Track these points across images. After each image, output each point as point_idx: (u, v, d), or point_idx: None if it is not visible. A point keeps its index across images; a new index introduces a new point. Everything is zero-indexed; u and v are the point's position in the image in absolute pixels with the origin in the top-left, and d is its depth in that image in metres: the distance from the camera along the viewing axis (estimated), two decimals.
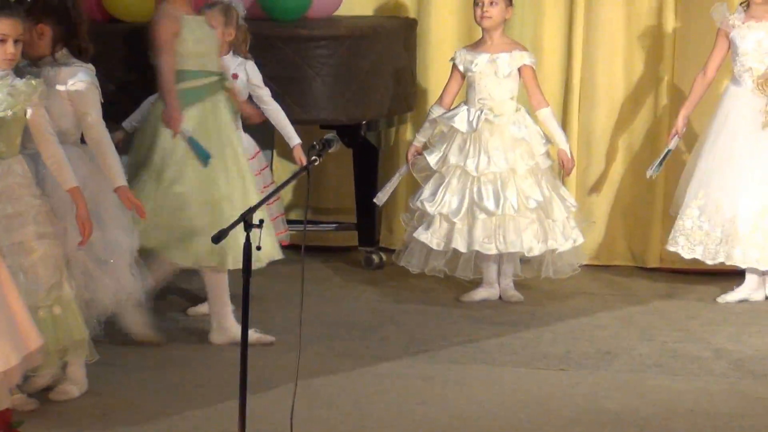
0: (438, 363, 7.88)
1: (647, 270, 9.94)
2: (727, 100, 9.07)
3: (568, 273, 9.11)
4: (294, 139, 8.80)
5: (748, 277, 9.07)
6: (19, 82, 6.84)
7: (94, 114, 7.24)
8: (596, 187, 10.03)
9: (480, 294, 9.08)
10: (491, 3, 8.86)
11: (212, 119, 8.00)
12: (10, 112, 6.77)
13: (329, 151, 6.74)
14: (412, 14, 10.16)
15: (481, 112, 8.89)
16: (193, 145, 7.86)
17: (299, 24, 9.57)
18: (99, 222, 7.17)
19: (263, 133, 9.26)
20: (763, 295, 9.08)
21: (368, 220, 9.79)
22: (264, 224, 6.29)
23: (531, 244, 8.88)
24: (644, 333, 8.41)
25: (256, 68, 8.81)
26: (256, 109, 8.71)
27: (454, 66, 9.05)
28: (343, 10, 9.99)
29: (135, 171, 7.97)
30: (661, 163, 9.18)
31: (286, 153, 9.29)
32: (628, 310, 8.84)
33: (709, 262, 9.04)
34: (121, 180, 7.26)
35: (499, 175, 8.85)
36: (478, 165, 8.84)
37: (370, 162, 9.75)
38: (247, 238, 6.02)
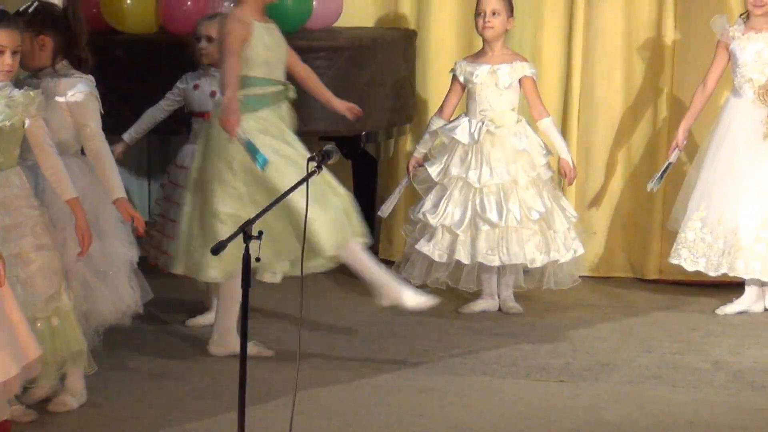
0: (437, 374, 7.88)
1: (646, 282, 9.96)
2: (727, 111, 9.08)
3: (569, 284, 9.12)
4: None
5: (748, 289, 9.08)
6: (17, 93, 6.83)
7: (94, 125, 7.23)
8: (596, 200, 10.05)
9: (480, 305, 9.11)
10: (494, 13, 8.89)
11: (275, 128, 7.96)
12: (7, 123, 6.76)
13: (328, 162, 6.77)
14: (411, 25, 10.20)
15: (482, 124, 8.91)
16: (251, 148, 7.77)
17: (298, 35, 9.53)
18: (98, 233, 7.17)
19: None
20: (762, 307, 9.10)
21: (368, 230, 9.77)
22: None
23: (534, 256, 8.91)
24: (643, 344, 8.41)
25: None
26: (351, 104, 8.58)
27: (454, 77, 9.07)
28: (343, 21, 10.02)
29: (201, 177, 7.94)
30: (662, 177, 9.20)
31: None
32: (628, 321, 8.85)
33: (712, 274, 9.05)
34: (120, 191, 7.24)
35: (502, 186, 8.87)
36: (481, 176, 8.87)
37: (369, 173, 9.81)
38: (246, 250, 6.01)
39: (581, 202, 9.91)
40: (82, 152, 7.32)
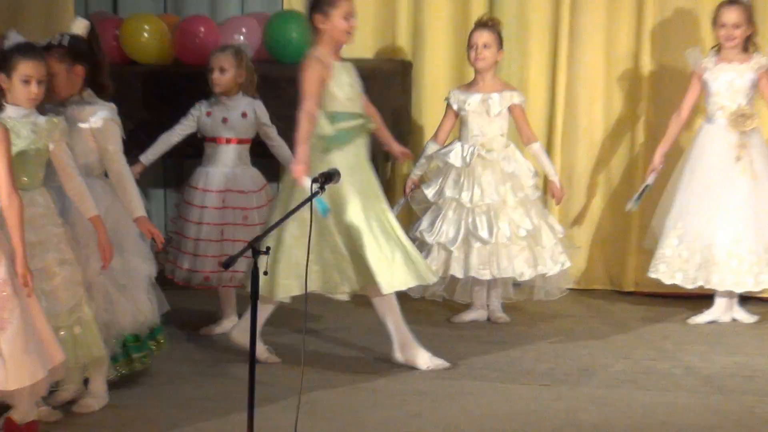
0: (431, 378, 7.88)
1: (624, 294, 9.98)
2: (701, 137, 9.10)
3: (557, 295, 9.18)
4: None
5: (718, 300, 9.12)
6: (42, 120, 6.86)
7: (115, 149, 7.29)
8: (578, 219, 10.06)
9: (470, 315, 9.16)
10: (485, 46, 8.93)
11: (357, 159, 7.96)
12: (32, 147, 6.79)
13: (330, 183, 6.87)
14: (408, 57, 10.20)
15: (474, 148, 8.95)
16: (317, 201, 7.33)
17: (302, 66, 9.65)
18: (119, 249, 7.23)
19: (270, 168, 9.27)
20: (730, 317, 9.13)
21: None
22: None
23: (522, 269, 8.93)
24: (620, 351, 8.44)
25: (263, 107, 8.82)
26: (405, 149, 8.65)
27: (449, 105, 9.09)
28: (344, 53, 9.87)
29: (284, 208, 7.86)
30: (639, 198, 9.23)
31: None
32: (606, 330, 8.86)
33: (689, 287, 9.08)
34: (141, 210, 7.28)
35: (492, 206, 8.91)
36: (472, 197, 8.91)
37: None
38: (255, 264, 6.06)
39: (565, 220, 9.86)
40: (105, 174, 7.35)
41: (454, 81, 9.92)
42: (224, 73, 8.74)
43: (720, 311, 9.17)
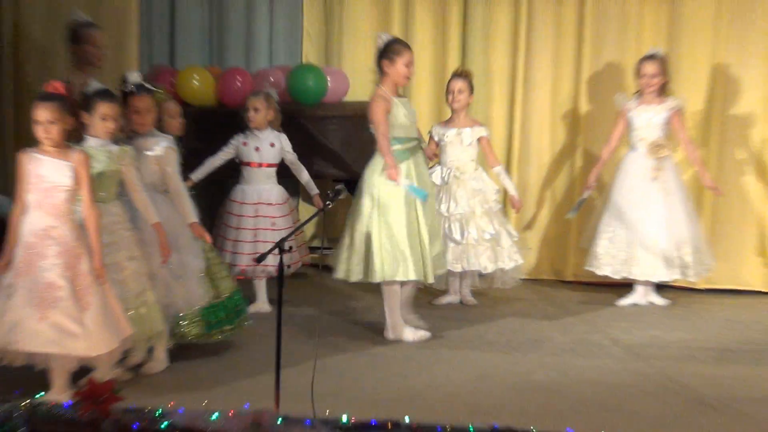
0: (416, 348, 7.86)
1: (565, 282, 9.98)
2: (626, 162, 9.10)
3: (512, 284, 9.14)
4: (313, 189, 8.82)
5: (638, 288, 9.12)
6: (115, 148, 6.88)
7: (173, 170, 7.30)
8: (529, 225, 10.04)
9: (446, 299, 9.15)
10: (459, 91, 8.91)
11: (415, 172, 7.90)
12: (108, 170, 6.83)
13: (339, 198, 6.83)
14: None
15: (451, 171, 8.95)
16: (413, 190, 7.79)
17: (317, 107, 9.55)
18: (177, 248, 7.22)
19: (291, 185, 9.22)
20: (647, 301, 9.13)
21: None
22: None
23: (486, 264, 8.90)
24: (562, 327, 8.45)
25: (286, 139, 8.80)
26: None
27: (431, 137, 9.05)
28: (349, 97, 9.96)
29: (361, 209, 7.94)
30: (577, 208, 9.19)
31: (308, 200, 9.31)
32: (551, 311, 8.86)
33: (616, 277, 9.06)
34: (194, 217, 7.28)
35: (463, 215, 8.90)
36: (449, 208, 8.90)
37: None
38: (281, 259, 6.08)
39: (519, 226, 9.86)
40: (165, 190, 7.36)
41: (434, 118, 9.88)
42: (257, 112, 8.75)
43: (640, 296, 9.18)
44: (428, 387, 7.03)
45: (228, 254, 8.69)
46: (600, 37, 9.86)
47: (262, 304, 8.81)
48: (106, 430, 5.35)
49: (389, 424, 5.52)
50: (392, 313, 8.04)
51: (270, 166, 8.82)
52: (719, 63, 9.64)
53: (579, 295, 9.50)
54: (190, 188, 8.38)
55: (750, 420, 6.49)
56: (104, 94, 6.89)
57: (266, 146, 8.79)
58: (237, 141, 8.79)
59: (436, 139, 9.07)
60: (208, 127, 9.09)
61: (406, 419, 5.56)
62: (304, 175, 8.84)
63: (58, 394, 6.38)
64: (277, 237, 8.24)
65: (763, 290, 9.67)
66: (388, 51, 7.88)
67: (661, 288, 9.32)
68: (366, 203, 7.91)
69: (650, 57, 9.06)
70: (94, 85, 6.98)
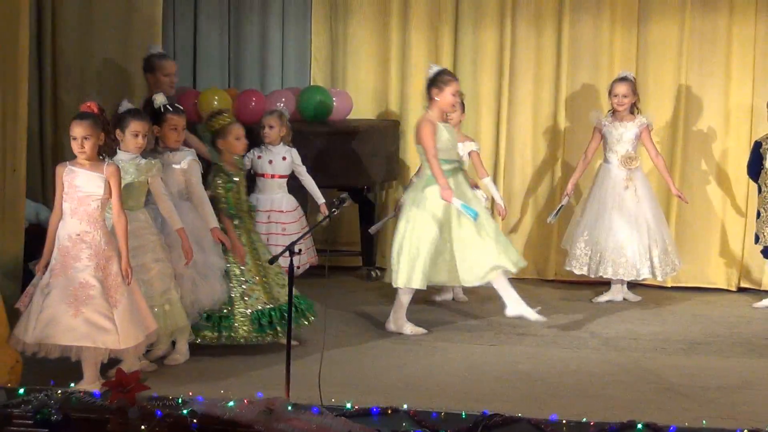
0: (414, 340, 7.85)
1: (547, 281, 9.88)
2: (601, 173, 9.05)
3: None
4: (320, 198, 8.74)
5: (613, 286, 9.07)
6: (143, 161, 6.92)
7: (197, 180, 7.31)
8: (514, 229, 9.96)
9: (441, 296, 9.07)
10: (453, 111, 8.85)
11: (456, 189, 7.88)
12: (136, 181, 6.86)
13: (343, 206, 6.81)
14: (397, 118, 10.12)
15: None
16: (465, 208, 7.76)
17: (323, 124, 9.53)
18: (202, 249, 7.23)
19: (301, 195, 9.09)
20: (621, 298, 9.07)
21: (368, 249, 9.74)
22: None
23: None
24: (545, 321, 8.24)
25: (296, 153, 8.77)
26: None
27: None
28: (353, 115, 9.95)
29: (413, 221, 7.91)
30: (556, 214, 9.12)
31: (315, 208, 9.29)
32: (535, 306, 8.58)
33: (592, 276, 9.00)
34: (215, 223, 7.29)
35: None
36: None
37: (369, 212, 9.70)
38: (291, 261, 6.05)
39: (505, 230, 9.77)
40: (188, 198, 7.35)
41: None
42: (272, 129, 8.73)
43: (615, 293, 9.12)
44: (424, 376, 7.04)
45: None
46: (576, 61, 9.86)
47: None
48: (133, 417, 5.32)
49: (389, 410, 5.52)
50: (400, 309, 8.00)
51: (282, 177, 8.79)
52: (683, 84, 9.66)
53: (560, 292, 9.44)
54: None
55: (715, 405, 6.53)
56: (136, 113, 6.97)
57: (278, 159, 8.75)
58: (252, 154, 8.75)
59: None
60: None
61: (404, 406, 5.53)
62: (311, 186, 8.79)
63: (89, 384, 6.38)
64: (287, 241, 8.09)
65: (726, 288, 9.64)
66: (437, 80, 7.93)
67: (633, 286, 9.29)
68: (405, 217, 7.97)
69: (622, 79, 9.04)
70: (125, 104, 7.02)
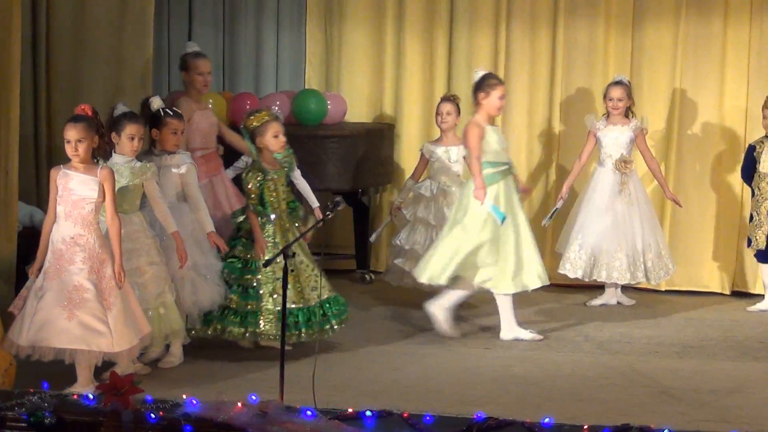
0: (409, 344, 7.86)
1: None
2: (595, 176, 9.02)
3: None
4: (314, 202, 8.61)
5: (607, 290, 9.05)
6: (138, 164, 6.92)
7: (194, 183, 7.32)
8: None
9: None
10: (448, 113, 8.87)
11: (504, 193, 7.91)
12: (131, 184, 6.86)
13: (338, 209, 6.83)
14: (392, 121, 10.10)
15: (439, 184, 8.86)
16: (494, 209, 7.79)
17: (318, 127, 9.52)
18: (202, 250, 7.28)
19: (296, 197, 9.14)
20: (615, 301, 9.06)
21: (362, 253, 9.71)
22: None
23: None
24: (539, 324, 8.34)
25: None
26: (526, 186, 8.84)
27: (422, 154, 8.99)
28: (348, 118, 9.93)
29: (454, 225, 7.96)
30: (551, 217, 9.09)
31: (309, 211, 9.28)
32: (529, 310, 8.73)
33: (587, 280, 8.95)
34: (211, 227, 7.30)
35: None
36: (436, 218, 8.79)
37: (363, 216, 9.70)
38: (285, 263, 6.06)
39: None
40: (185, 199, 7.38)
41: (423, 138, 9.80)
42: None
43: (609, 296, 9.11)
44: (418, 379, 7.04)
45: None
46: (571, 64, 9.84)
47: None
48: (127, 420, 5.33)
49: (383, 413, 5.53)
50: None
51: None
52: (677, 87, 9.64)
53: (554, 295, 9.36)
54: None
55: (708, 408, 6.54)
56: (131, 116, 6.96)
57: None
58: (247, 157, 8.66)
59: (426, 156, 9.01)
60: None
61: (398, 409, 5.53)
62: (306, 189, 8.70)
63: (83, 387, 6.38)
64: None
65: (719, 291, 9.61)
66: (483, 84, 7.97)
67: (627, 289, 9.26)
68: (453, 216, 8.03)
69: (616, 83, 9.04)
70: (121, 108, 7.01)
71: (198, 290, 7.30)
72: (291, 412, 5.44)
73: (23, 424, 5.32)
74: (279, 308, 7.21)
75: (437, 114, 9.01)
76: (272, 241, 7.46)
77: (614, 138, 8.95)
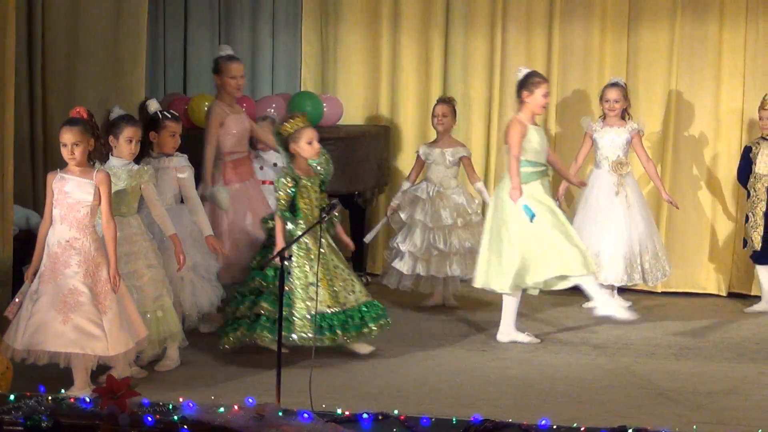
0: (403, 346, 7.83)
1: None
2: (592, 178, 9.02)
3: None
4: None
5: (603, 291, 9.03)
6: (135, 167, 6.93)
7: (191, 184, 7.35)
8: None
9: (432, 302, 9.06)
10: (443, 115, 8.92)
11: (540, 192, 7.90)
12: (129, 186, 6.86)
13: (333, 211, 6.85)
14: (387, 123, 10.12)
15: (435, 186, 8.90)
16: (525, 208, 7.75)
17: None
18: (202, 251, 7.35)
19: None
20: None
21: (359, 255, 9.67)
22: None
23: (466, 271, 8.81)
24: (535, 327, 8.34)
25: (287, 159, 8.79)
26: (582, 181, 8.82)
27: (418, 156, 9.03)
28: (343, 121, 9.95)
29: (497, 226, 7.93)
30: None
31: None
32: (525, 312, 8.67)
33: None
34: (209, 231, 7.34)
35: (446, 226, 8.85)
36: (433, 220, 8.85)
37: (359, 218, 9.71)
38: (281, 266, 6.05)
39: None
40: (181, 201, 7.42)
41: (419, 140, 9.83)
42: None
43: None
44: (415, 382, 7.04)
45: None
46: (567, 66, 9.87)
47: None
48: (123, 423, 5.33)
49: (380, 416, 5.53)
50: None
51: (272, 183, 8.69)
52: (673, 89, 9.67)
53: (550, 298, 9.31)
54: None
55: (705, 410, 6.54)
56: (129, 119, 6.98)
57: (269, 165, 8.77)
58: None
59: (422, 158, 9.04)
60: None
61: (395, 412, 5.54)
62: None
63: (79, 390, 6.38)
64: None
65: (716, 293, 9.65)
66: (527, 83, 7.94)
67: (624, 291, 9.27)
68: (491, 217, 8.02)
69: (613, 84, 9.05)
70: (117, 111, 7.02)
71: (197, 291, 7.35)
72: (288, 414, 5.44)
73: (20, 428, 5.32)
74: (312, 313, 7.20)
75: (433, 116, 9.05)
76: (304, 247, 7.39)
77: (611, 140, 8.96)
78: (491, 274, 7.98)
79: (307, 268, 7.33)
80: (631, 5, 9.74)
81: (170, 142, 7.32)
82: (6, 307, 6.64)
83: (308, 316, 7.22)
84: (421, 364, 7.44)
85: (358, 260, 9.75)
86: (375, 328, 7.48)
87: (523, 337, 8.01)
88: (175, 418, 5.35)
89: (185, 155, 7.46)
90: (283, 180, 7.39)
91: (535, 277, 7.87)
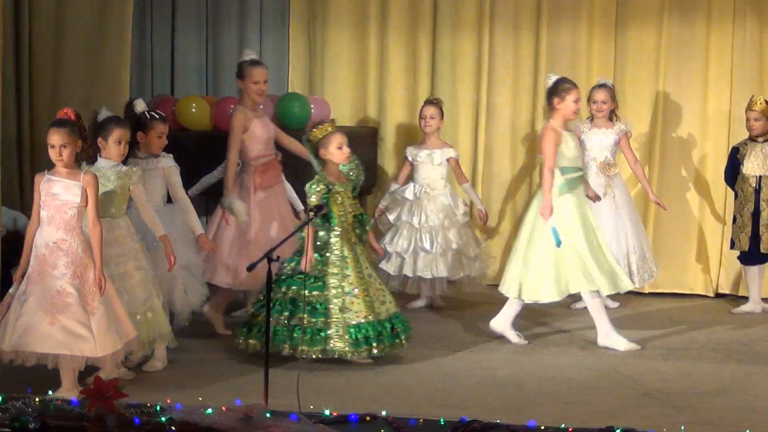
0: (393, 347, 7.63)
1: None
2: None
3: (478, 289, 9.13)
4: (300, 206, 8.59)
5: None
6: (124, 168, 6.94)
7: (179, 184, 7.37)
8: (492, 236, 9.95)
9: (418, 303, 9.07)
10: (431, 117, 8.96)
11: (578, 199, 7.84)
12: (118, 188, 6.87)
13: (321, 212, 6.85)
14: (375, 125, 10.12)
15: (422, 188, 8.93)
16: (553, 232, 7.68)
17: (301, 131, 9.37)
18: (194, 250, 7.39)
19: None
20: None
21: None
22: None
23: (453, 272, 8.87)
24: (524, 328, 8.28)
25: None
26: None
27: (405, 157, 9.07)
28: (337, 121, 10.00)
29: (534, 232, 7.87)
30: None
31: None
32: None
33: None
34: (200, 229, 7.38)
35: (433, 227, 8.87)
36: (420, 221, 8.88)
37: None
38: (269, 268, 6.06)
39: (484, 237, 9.75)
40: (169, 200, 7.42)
41: (406, 141, 9.82)
42: None
43: None
44: (403, 383, 7.02)
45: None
46: (554, 67, 9.79)
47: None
48: (111, 424, 5.34)
49: (367, 417, 5.55)
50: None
51: None
52: (660, 90, 9.71)
53: None
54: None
55: (692, 410, 6.54)
56: (118, 121, 6.99)
57: None
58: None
59: (410, 159, 9.07)
60: (205, 149, 9.02)
61: (383, 413, 5.54)
62: (291, 194, 8.71)
63: (67, 392, 6.38)
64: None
65: (703, 293, 9.68)
66: (558, 89, 7.89)
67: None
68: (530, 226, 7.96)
69: (600, 86, 9.07)
70: (104, 112, 7.02)
71: (189, 289, 7.37)
72: (275, 416, 5.45)
73: (7, 430, 5.32)
74: (348, 324, 7.20)
75: (421, 117, 9.07)
76: (339, 254, 7.36)
77: (598, 141, 8.97)
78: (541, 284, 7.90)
79: (341, 277, 7.29)
80: (619, 7, 9.78)
81: (157, 143, 7.34)
82: None
83: (345, 327, 7.21)
84: (409, 365, 7.43)
85: None
86: (405, 341, 7.48)
87: (513, 337, 8.01)
88: (163, 419, 5.36)
89: (171, 155, 7.47)
90: (314, 187, 7.32)
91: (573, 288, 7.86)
